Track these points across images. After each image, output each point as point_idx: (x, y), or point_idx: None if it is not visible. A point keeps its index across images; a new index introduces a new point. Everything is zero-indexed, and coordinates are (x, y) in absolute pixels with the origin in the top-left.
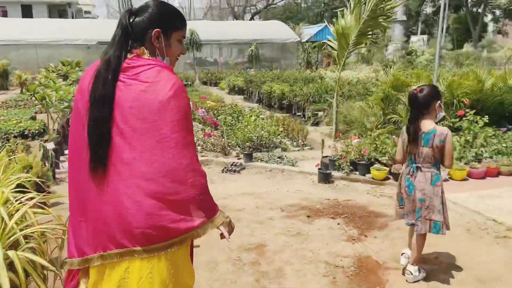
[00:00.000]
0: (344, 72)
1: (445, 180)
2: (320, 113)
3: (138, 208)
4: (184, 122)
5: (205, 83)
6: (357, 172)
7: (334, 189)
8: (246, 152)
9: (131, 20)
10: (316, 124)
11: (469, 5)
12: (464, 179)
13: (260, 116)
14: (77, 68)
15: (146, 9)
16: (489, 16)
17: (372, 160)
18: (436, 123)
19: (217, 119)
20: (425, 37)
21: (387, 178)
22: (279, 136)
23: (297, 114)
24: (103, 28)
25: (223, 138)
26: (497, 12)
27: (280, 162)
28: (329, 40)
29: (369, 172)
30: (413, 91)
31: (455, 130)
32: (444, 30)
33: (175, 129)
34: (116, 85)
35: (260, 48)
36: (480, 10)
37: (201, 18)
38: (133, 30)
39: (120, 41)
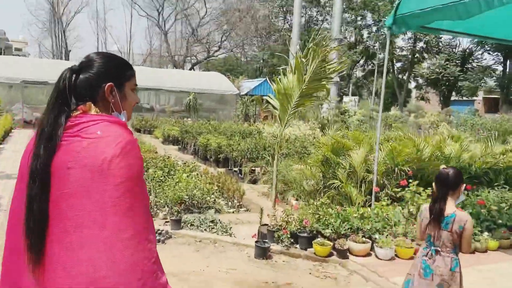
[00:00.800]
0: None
1: (391, 258)
2: (257, 169)
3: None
4: (130, 185)
5: (138, 130)
6: (298, 246)
7: (273, 267)
8: (174, 218)
9: (72, 79)
10: (253, 182)
11: (396, 71)
12: (411, 258)
13: (193, 173)
14: None
15: (91, 64)
16: (413, 83)
17: (315, 232)
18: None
19: (146, 172)
20: (356, 98)
21: (330, 254)
22: (213, 195)
23: (234, 170)
24: (30, 66)
25: (150, 195)
26: (420, 80)
27: (213, 228)
28: (269, 97)
29: (311, 245)
30: (444, 170)
31: (397, 200)
32: (373, 94)
33: (120, 199)
34: (57, 146)
35: (199, 98)
36: (405, 77)
37: (140, 64)
38: (77, 90)
39: (57, 102)
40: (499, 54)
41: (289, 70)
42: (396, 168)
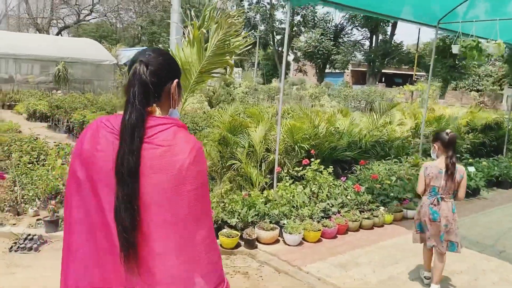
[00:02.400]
0: None
1: (300, 243)
2: None
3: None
4: (204, 190)
5: None
6: None
7: None
8: (48, 219)
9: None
10: None
11: (276, 44)
12: (318, 240)
13: (69, 157)
14: None
15: (155, 60)
16: (291, 56)
17: (220, 222)
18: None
19: (7, 160)
20: (240, 70)
21: (238, 245)
22: None
23: None
24: None
25: (13, 190)
26: (298, 53)
27: None
28: None
29: (217, 236)
30: (452, 133)
31: (299, 179)
32: (255, 65)
33: (199, 202)
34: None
35: (70, 67)
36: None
37: None
38: (152, 86)
39: (141, 100)
40: (367, 29)
41: (184, 42)
42: (296, 146)
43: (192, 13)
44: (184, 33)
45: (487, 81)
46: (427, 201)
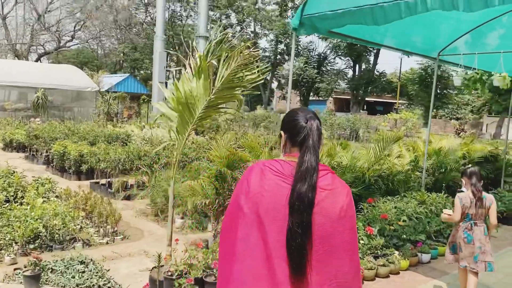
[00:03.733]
0: (154, 131)
1: None
2: (131, 181)
3: None
4: (355, 226)
5: None
6: None
7: None
8: (28, 273)
9: None
10: (127, 198)
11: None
12: None
13: (51, 195)
14: None
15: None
16: (275, 83)
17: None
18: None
19: None
20: None
21: None
22: (79, 224)
23: (102, 183)
24: None
25: None
26: (282, 81)
27: (83, 276)
28: (160, 105)
29: None
30: (474, 168)
31: None
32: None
33: (354, 237)
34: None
35: (50, 94)
36: (268, 77)
37: None
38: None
39: (316, 147)
40: (350, 59)
41: (186, 74)
42: None
43: (220, 43)
44: (172, 60)
45: (465, 109)
46: (462, 226)
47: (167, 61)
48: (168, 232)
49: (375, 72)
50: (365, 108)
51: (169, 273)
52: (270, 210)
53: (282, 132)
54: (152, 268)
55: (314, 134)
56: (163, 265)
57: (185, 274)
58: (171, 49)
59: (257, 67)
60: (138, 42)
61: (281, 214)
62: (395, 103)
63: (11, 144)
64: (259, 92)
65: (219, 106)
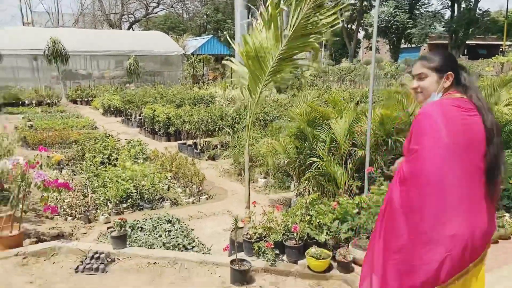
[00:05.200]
0: (234, 91)
1: None
2: (215, 141)
3: (491, 227)
4: None
5: (75, 101)
6: (285, 258)
7: None
8: (115, 234)
9: None
10: (212, 158)
11: (344, 21)
12: None
13: (141, 157)
14: None
15: None
16: (362, 33)
17: (306, 238)
18: None
19: (82, 159)
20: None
21: (330, 268)
22: (166, 185)
23: (188, 144)
24: None
25: (85, 194)
26: (369, 30)
27: (169, 235)
28: (231, 61)
29: (302, 256)
30: None
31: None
32: (322, 46)
33: None
34: None
35: (141, 60)
36: (354, 27)
37: (71, 25)
38: None
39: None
40: None
41: (257, 25)
42: (390, 140)
43: None
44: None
45: None
46: None
47: (248, 18)
48: (246, 194)
49: (477, 11)
50: (465, 52)
51: (248, 236)
52: (467, 140)
53: (450, 73)
54: (232, 230)
55: (468, 72)
56: (242, 227)
57: (265, 237)
58: (253, 6)
59: (334, 7)
60: (220, 2)
61: (476, 142)
62: (501, 45)
63: (109, 109)
64: (340, 39)
65: (293, 58)
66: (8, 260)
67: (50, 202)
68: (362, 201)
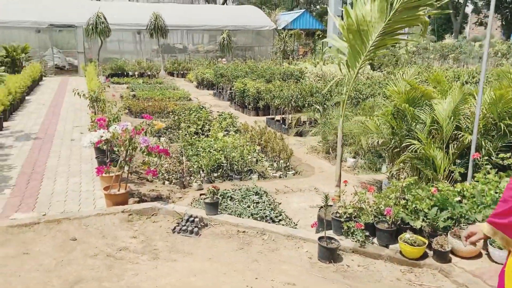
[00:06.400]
0: (327, 67)
1: None
2: (303, 118)
3: None
4: None
5: (171, 74)
6: (376, 241)
7: (347, 278)
8: (208, 201)
9: None
10: (299, 134)
11: None
12: None
13: (232, 129)
14: (23, 55)
15: None
16: (470, 7)
17: (401, 224)
18: None
19: (178, 128)
20: None
21: (424, 255)
22: (255, 155)
23: (277, 119)
24: (56, 8)
25: (181, 161)
26: (479, 3)
27: (257, 206)
28: (333, 39)
29: (394, 241)
30: None
31: (505, 168)
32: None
33: None
34: None
35: (233, 35)
36: (461, 0)
37: (169, 1)
38: None
39: None
40: None
41: None
42: (502, 124)
43: None
44: None
45: None
46: None
47: None
48: (336, 172)
49: None
50: None
51: (337, 215)
52: None
53: None
54: (320, 207)
55: None
56: (331, 205)
57: (355, 217)
58: None
59: None
60: None
61: None
62: None
63: (202, 82)
64: (450, 11)
65: (398, 32)
66: (116, 215)
67: (151, 166)
68: (465, 189)
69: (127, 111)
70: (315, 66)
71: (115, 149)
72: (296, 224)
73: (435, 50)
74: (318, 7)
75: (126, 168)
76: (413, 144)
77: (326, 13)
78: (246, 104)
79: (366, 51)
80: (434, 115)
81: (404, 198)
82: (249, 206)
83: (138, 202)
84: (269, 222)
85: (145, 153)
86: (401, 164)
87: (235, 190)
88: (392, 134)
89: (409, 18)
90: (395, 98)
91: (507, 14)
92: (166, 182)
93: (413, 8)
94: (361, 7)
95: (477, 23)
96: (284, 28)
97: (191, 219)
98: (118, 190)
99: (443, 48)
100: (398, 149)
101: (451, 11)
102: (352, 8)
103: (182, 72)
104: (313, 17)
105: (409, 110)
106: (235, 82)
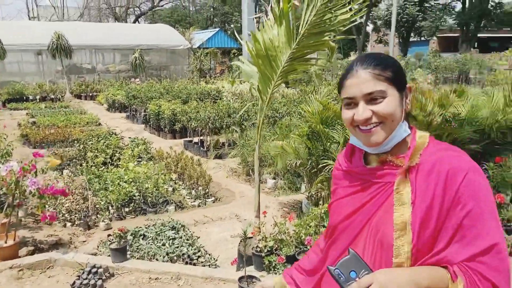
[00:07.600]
0: (244, 86)
1: None
2: (223, 140)
3: None
4: None
5: (79, 96)
6: None
7: None
8: (115, 246)
9: None
10: (219, 157)
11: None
12: None
13: (145, 156)
14: None
15: None
16: (371, 26)
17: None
18: None
19: (84, 159)
20: None
21: None
22: (171, 186)
23: (194, 141)
24: None
25: (86, 198)
26: (378, 23)
27: (173, 244)
28: (241, 61)
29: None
30: None
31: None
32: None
33: None
34: None
35: (146, 54)
36: (362, 20)
37: (76, 19)
38: None
39: None
40: None
41: (267, 20)
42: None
43: None
44: (260, 9)
45: None
46: None
47: (256, 12)
48: (256, 202)
49: (490, 3)
50: (476, 46)
51: (258, 249)
52: None
53: (409, 85)
54: (240, 241)
55: None
56: (251, 237)
57: (276, 250)
58: None
59: (349, 3)
60: None
61: None
62: None
63: (113, 105)
64: (354, 36)
65: (306, 56)
66: (3, 273)
67: (48, 206)
68: None
69: (23, 141)
70: (232, 85)
71: (0, 193)
72: (216, 260)
73: (343, 67)
74: (232, 26)
75: (20, 212)
76: (329, 164)
77: (240, 32)
78: (162, 127)
79: (276, 76)
80: (347, 134)
81: (323, 225)
82: (164, 244)
83: (33, 252)
84: (186, 261)
85: (36, 196)
86: (319, 184)
87: (148, 226)
88: (308, 154)
89: (316, 43)
90: (309, 118)
91: (403, 32)
92: (68, 224)
93: (318, 33)
94: (269, 31)
95: (377, 41)
96: (199, 47)
97: (94, 270)
98: (6, 242)
99: (349, 65)
100: (315, 170)
101: (354, 36)
102: (259, 32)
103: (91, 94)
104: (227, 36)
105: (324, 132)
106: (149, 103)
